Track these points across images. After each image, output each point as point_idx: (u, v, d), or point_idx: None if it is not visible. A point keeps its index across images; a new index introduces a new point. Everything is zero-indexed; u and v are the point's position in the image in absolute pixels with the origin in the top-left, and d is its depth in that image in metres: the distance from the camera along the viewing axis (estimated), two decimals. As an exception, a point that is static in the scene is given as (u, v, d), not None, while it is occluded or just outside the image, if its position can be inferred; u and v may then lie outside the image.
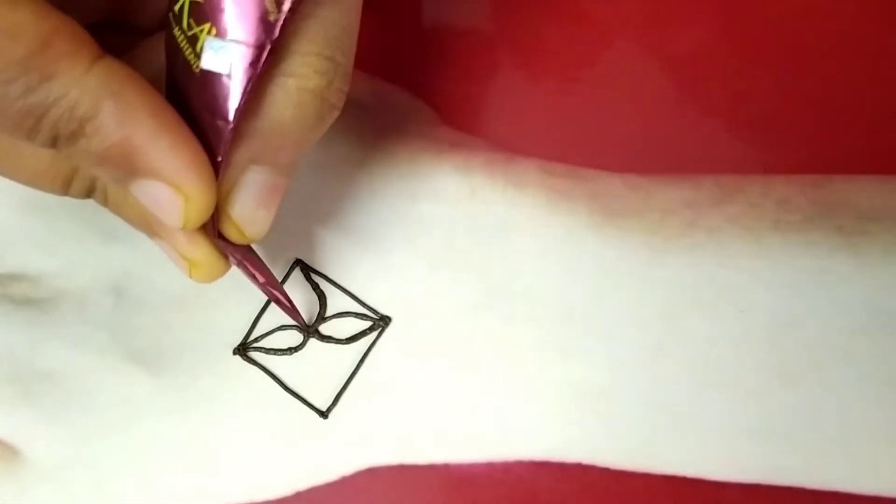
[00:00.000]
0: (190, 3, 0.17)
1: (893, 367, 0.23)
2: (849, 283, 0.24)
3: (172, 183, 0.17)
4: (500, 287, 0.25)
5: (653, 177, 0.25)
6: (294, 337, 0.25)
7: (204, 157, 0.17)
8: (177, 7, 0.17)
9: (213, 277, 0.20)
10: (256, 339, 0.25)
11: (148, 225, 0.20)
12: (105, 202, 0.21)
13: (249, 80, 0.16)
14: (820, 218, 0.24)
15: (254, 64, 0.16)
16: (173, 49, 0.17)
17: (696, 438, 0.24)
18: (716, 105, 0.26)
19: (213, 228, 0.19)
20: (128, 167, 0.17)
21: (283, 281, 0.25)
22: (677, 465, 0.24)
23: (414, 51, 0.27)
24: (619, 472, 0.24)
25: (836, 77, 0.26)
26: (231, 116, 0.17)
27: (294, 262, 0.25)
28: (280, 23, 0.16)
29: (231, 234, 0.19)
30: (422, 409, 0.24)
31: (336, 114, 0.19)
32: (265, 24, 0.16)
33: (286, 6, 0.16)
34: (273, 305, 0.25)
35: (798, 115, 0.26)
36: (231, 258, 0.20)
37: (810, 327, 0.24)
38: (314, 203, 0.25)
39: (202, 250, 0.20)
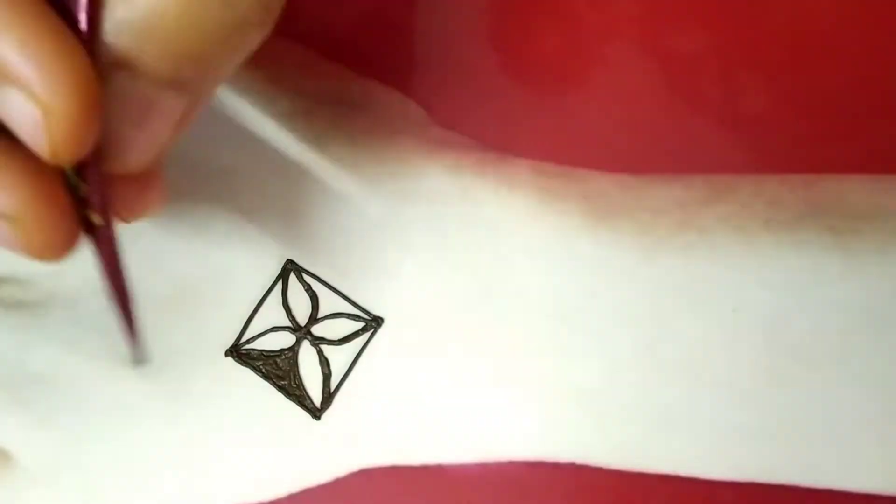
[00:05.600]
0: None
1: (885, 365, 0.23)
2: (840, 283, 0.24)
3: (25, 87, 0.12)
4: (492, 287, 0.25)
5: (644, 177, 0.25)
6: (286, 338, 0.25)
7: (73, 46, 0.13)
8: None
9: (50, 253, 0.15)
10: (249, 341, 0.25)
11: None
12: None
13: None
14: (811, 217, 0.24)
15: None
16: None
17: (689, 438, 0.24)
18: (707, 105, 0.26)
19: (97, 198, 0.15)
20: None
21: (276, 282, 0.25)
22: (671, 464, 0.24)
23: (405, 51, 0.27)
24: (612, 472, 0.24)
25: (827, 77, 0.26)
26: None
27: (286, 263, 0.25)
28: None
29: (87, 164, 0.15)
30: (415, 410, 0.24)
31: (257, 35, 0.15)
32: None
33: None
34: (266, 307, 0.25)
35: (789, 115, 0.26)
36: (88, 239, 0.16)
37: (802, 326, 0.24)
38: (305, 203, 0.25)
39: (44, 207, 0.14)
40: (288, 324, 0.25)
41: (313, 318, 0.25)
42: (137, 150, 0.15)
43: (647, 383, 0.24)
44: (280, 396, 0.24)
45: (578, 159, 0.26)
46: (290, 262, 0.25)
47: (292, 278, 0.25)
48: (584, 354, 0.24)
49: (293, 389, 0.25)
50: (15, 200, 0.14)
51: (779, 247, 0.24)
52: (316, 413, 0.24)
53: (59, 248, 0.15)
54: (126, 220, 0.17)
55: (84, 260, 0.25)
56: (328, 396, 0.24)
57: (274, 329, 0.25)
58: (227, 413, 0.24)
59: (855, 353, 0.23)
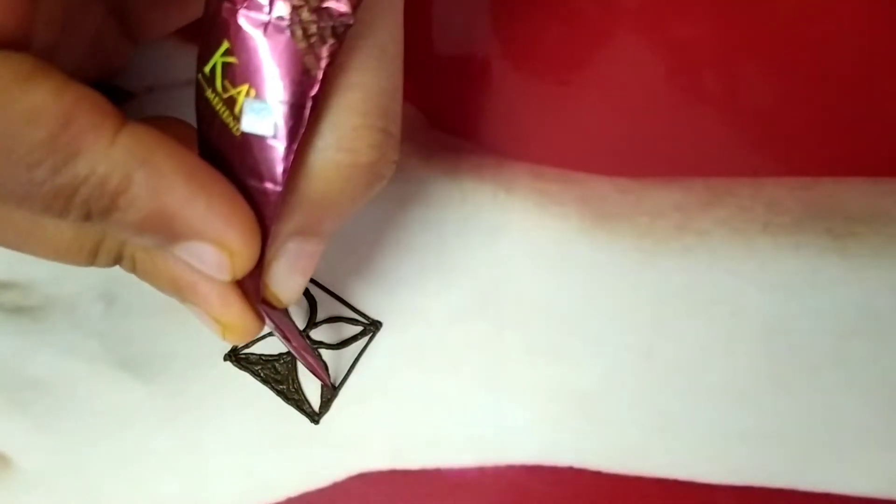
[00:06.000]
0: (223, 64, 0.16)
1: (884, 368, 0.23)
2: (839, 285, 0.24)
3: (215, 242, 0.16)
4: (490, 291, 0.25)
5: (643, 180, 0.25)
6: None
7: (244, 210, 0.17)
8: (207, 69, 0.16)
9: (245, 339, 0.19)
10: (247, 345, 0.25)
11: (179, 290, 0.19)
12: (133, 269, 0.20)
13: (294, 141, 0.16)
14: (809, 220, 0.24)
15: (297, 124, 0.16)
16: (207, 112, 0.17)
17: (687, 441, 0.24)
18: (707, 108, 0.26)
19: (255, 293, 0.18)
20: (167, 233, 0.16)
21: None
22: (669, 467, 0.24)
23: (403, 55, 0.27)
24: (610, 476, 0.24)
25: (824, 79, 0.26)
26: (280, 178, 0.16)
27: (284, 268, 0.25)
28: (319, 77, 0.16)
29: (266, 298, 0.19)
30: (413, 414, 0.24)
31: (385, 183, 0.18)
32: (306, 80, 0.16)
33: (324, 62, 0.15)
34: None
35: (790, 117, 0.26)
36: (268, 321, 0.20)
37: (801, 329, 0.24)
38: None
39: (235, 313, 0.19)
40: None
41: (312, 323, 0.25)
42: (301, 290, 0.19)
43: (646, 387, 0.24)
44: (278, 401, 0.24)
45: (577, 163, 0.26)
46: (288, 266, 0.25)
47: (291, 282, 0.25)
48: (582, 358, 0.24)
49: (292, 394, 0.25)
50: (230, 316, 0.19)
51: (777, 250, 0.24)
52: (314, 417, 0.24)
53: (250, 338, 0.20)
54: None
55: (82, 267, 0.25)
56: (326, 401, 0.24)
57: (272, 333, 0.25)
58: (225, 417, 0.24)
59: (853, 356, 0.23)
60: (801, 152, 0.25)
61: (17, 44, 0.15)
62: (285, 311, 0.20)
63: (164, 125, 0.19)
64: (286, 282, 0.18)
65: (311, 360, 0.22)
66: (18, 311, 0.25)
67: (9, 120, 0.14)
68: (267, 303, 0.19)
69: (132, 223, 0.16)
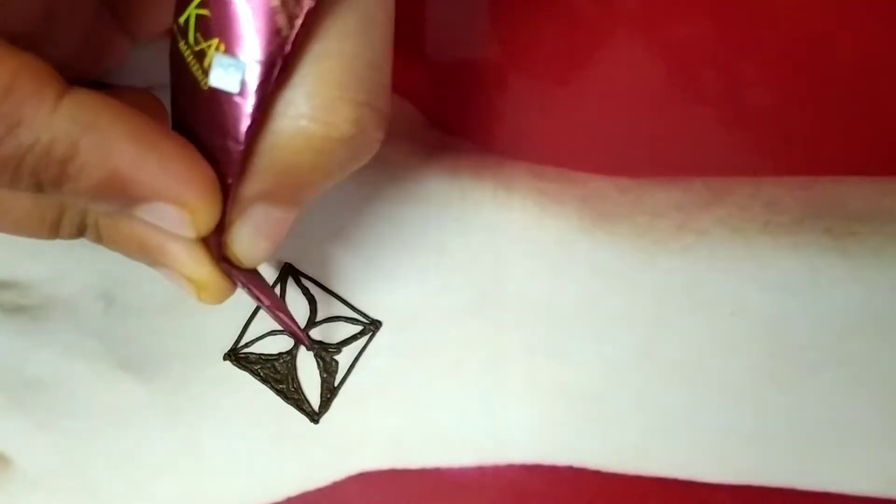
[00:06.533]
0: (196, 16, 0.16)
1: (884, 367, 0.23)
2: (838, 285, 0.24)
3: (173, 200, 0.16)
4: (490, 291, 0.25)
5: (642, 179, 0.25)
6: (284, 342, 0.25)
7: (200, 166, 0.16)
8: (181, 19, 0.16)
9: (221, 298, 0.19)
10: (247, 345, 0.25)
11: (149, 253, 0.19)
12: (99, 239, 0.20)
13: (261, 100, 0.16)
14: (809, 219, 0.24)
15: (265, 82, 0.16)
16: (179, 63, 0.17)
17: (687, 440, 0.24)
18: (706, 108, 0.26)
19: (218, 251, 0.18)
20: (123, 197, 0.16)
21: (273, 286, 0.25)
22: (669, 467, 0.24)
23: (402, 54, 0.27)
24: (610, 475, 0.24)
25: (824, 79, 0.26)
26: (242, 137, 0.16)
27: (283, 267, 0.25)
28: (292, 38, 0.15)
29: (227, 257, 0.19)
30: (413, 414, 0.24)
31: (366, 160, 0.18)
32: (277, 39, 0.15)
33: (299, 20, 0.15)
34: (264, 310, 0.25)
35: (789, 117, 0.26)
36: (236, 281, 0.20)
37: (801, 329, 0.24)
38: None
39: (207, 270, 0.19)
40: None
41: (311, 322, 0.25)
42: (266, 255, 0.19)
43: (646, 386, 0.24)
44: (278, 400, 0.24)
45: (577, 162, 0.26)
46: (288, 265, 0.25)
47: (290, 282, 0.25)
48: (582, 357, 0.24)
49: (291, 393, 0.25)
50: (202, 273, 0.19)
51: (777, 249, 0.24)
52: (314, 417, 0.24)
53: (225, 297, 0.19)
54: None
55: (82, 266, 0.25)
56: (326, 400, 0.24)
57: (272, 333, 0.25)
58: (225, 417, 0.24)
59: (853, 356, 0.23)
60: (800, 152, 0.25)
61: None
62: (254, 271, 0.20)
63: (128, 95, 0.19)
64: (250, 244, 0.18)
65: (286, 319, 0.22)
66: (18, 310, 0.25)
67: None
68: (229, 262, 0.19)
69: (85, 190, 0.16)
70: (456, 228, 0.25)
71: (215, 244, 0.18)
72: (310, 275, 0.25)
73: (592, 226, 0.25)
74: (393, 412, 0.24)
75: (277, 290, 0.25)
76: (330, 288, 0.25)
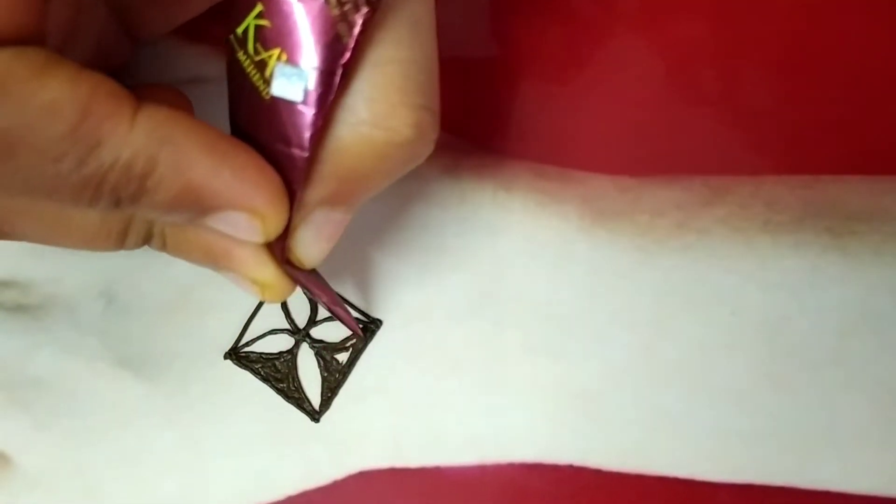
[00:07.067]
0: (256, 26, 0.16)
1: (884, 366, 0.23)
2: (839, 284, 0.24)
3: (246, 208, 0.17)
4: (490, 290, 0.25)
5: (643, 178, 0.25)
6: (285, 341, 0.25)
7: (270, 175, 0.17)
8: (240, 30, 0.16)
9: (283, 297, 0.20)
10: (247, 344, 0.25)
11: (215, 259, 0.20)
12: (164, 247, 0.20)
13: (323, 108, 0.16)
14: (809, 218, 0.24)
15: (327, 91, 0.16)
16: (238, 74, 0.17)
17: (687, 439, 0.24)
18: (707, 106, 0.26)
19: (281, 254, 0.19)
20: (197, 207, 0.17)
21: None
22: (669, 466, 0.24)
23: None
24: (610, 474, 0.24)
25: (824, 78, 0.26)
26: (307, 145, 0.16)
27: (284, 266, 0.25)
28: (351, 45, 0.16)
29: (290, 260, 0.19)
30: (413, 413, 0.24)
31: (423, 160, 0.18)
32: (338, 47, 0.16)
33: (357, 29, 0.15)
34: (264, 309, 0.25)
35: (789, 116, 0.26)
36: (297, 280, 0.20)
37: (801, 328, 0.24)
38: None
39: (272, 272, 0.19)
40: (287, 326, 0.25)
41: (312, 321, 0.25)
42: (325, 254, 0.19)
43: (645, 385, 0.24)
44: (279, 399, 0.24)
45: (576, 161, 0.26)
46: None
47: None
48: (582, 356, 0.24)
49: (292, 392, 0.25)
50: (267, 275, 0.19)
51: (777, 248, 0.24)
52: (314, 415, 0.24)
53: (286, 296, 0.20)
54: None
55: (82, 265, 0.25)
56: (327, 399, 0.24)
57: (273, 332, 0.25)
58: (225, 415, 0.24)
59: (853, 354, 0.23)
60: (800, 151, 0.25)
61: (31, 39, 0.15)
62: (313, 270, 0.20)
63: (156, 93, 0.19)
64: (312, 247, 0.19)
65: (343, 314, 0.22)
66: (18, 309, 0.25)
67: (29, 114, 0.14)
68: (292, 264, 0.19)
69: (162, 203, 0.16)
70: (456, 227, 0.25)
71: (279, 248, 0.19)
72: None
73: (593, 225, 0.25)
74: (393, 411, 0.24)
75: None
76: (330, 287, 0.25)
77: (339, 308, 0.22)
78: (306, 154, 0.16)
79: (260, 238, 0.17)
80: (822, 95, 0.26)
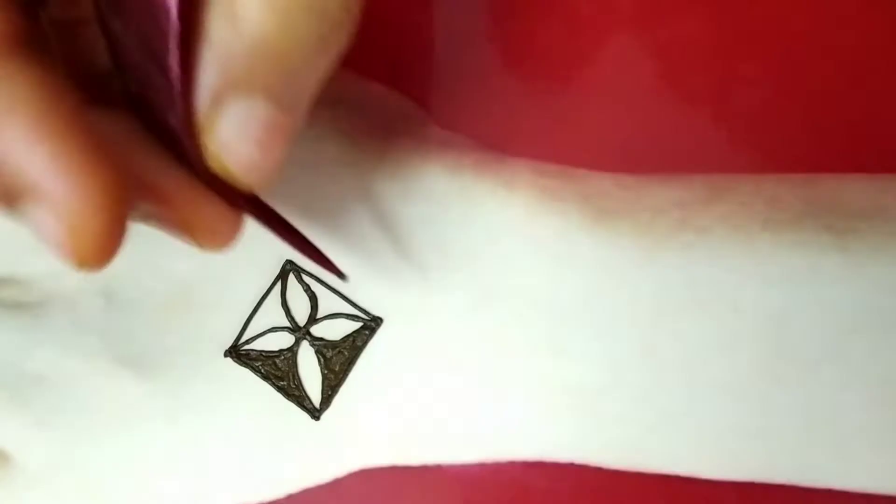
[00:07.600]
0: None
1: (885, 365, 0.23)
2: (839, 282, 0.24)
3: (51, 201, 0.13)
4: (491, 288, 0.25)
5: (644, 177, 0.25)
6: (286, 339, 0.25)
7: (103, 162, 0.13)
8: None
9: (225, 241, 0.17)
10: (248, 341, 0.25)
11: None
12: None
13: None
14: (810, 216, 0.24)
15: None
16: None
17: (689, 437, 0.24)
18: (707, 104, 0.26)
19: (209, 178, 0.16)
20: (7, 190, 0.13)
21: (275, 282, 0.25)
22: (670, 464, 0.24)
23: (403, 51, 0.27)
24: (612, 472, 0.24)
25: (824, 76, 0.26)
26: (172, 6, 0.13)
27: (285, 264, 0.25)
28: None
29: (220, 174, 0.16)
30: (414, 410, 0.24)
31: (345, 35, 0.15)
32: None
33: None
34: (265, 307, 0.25)
35: (789, 114, 0.26)
36: (242, 208, 0.17)
37: (802, 326, 0.24)
38: (304, 203, 0.25)
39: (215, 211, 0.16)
40: (287, 324, 0.25)
41: (312, 319, 0.25)
42: (265, 171, 0.15)
43: (647, 383, 0.24)
44: (279, 397, 0.24)
45: (578, 159, 0.26)
46: (289, 262, 0.25)
47: (291, 279, 0.25)
48: (583, 354, 0.24)
49: (292, 390, 0.25)
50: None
51: (778, 246, 0.24)
52: (315, 413, 0.24)
53: (232, 238, 0.16)
54: (204, 246, 0.17)
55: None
56: (327, 397, 0.24)
57: (273, 329, 0.25)
58: (226, 413, 0.24)
59: (854, 353, 0.23)
60: (800, 149, 0.25)
61: None
62: (257, 199, 0.18)
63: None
64: (237, 150, 0.15)
65: (313, 255, 0.20)
66: (18, 306, 0.25)
67: None
68: (235, 193, 0.16)
69: None
70: (456, 226, 0.25)
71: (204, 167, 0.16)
72: (311, 272, 0.25)
73: (593, 223, 0.25)
74: (394, 408, 0.24)
75: (278, 287, 0.25)
76: (331, 285, 0.25)
77: (307, 248, 0.20)
78: (173, 20, 0.13)
79: (67, 254, 0.13)
80: (822, 94, 0.26)
